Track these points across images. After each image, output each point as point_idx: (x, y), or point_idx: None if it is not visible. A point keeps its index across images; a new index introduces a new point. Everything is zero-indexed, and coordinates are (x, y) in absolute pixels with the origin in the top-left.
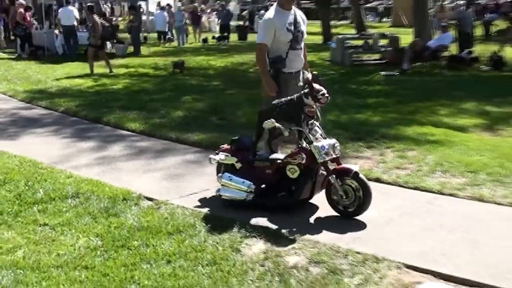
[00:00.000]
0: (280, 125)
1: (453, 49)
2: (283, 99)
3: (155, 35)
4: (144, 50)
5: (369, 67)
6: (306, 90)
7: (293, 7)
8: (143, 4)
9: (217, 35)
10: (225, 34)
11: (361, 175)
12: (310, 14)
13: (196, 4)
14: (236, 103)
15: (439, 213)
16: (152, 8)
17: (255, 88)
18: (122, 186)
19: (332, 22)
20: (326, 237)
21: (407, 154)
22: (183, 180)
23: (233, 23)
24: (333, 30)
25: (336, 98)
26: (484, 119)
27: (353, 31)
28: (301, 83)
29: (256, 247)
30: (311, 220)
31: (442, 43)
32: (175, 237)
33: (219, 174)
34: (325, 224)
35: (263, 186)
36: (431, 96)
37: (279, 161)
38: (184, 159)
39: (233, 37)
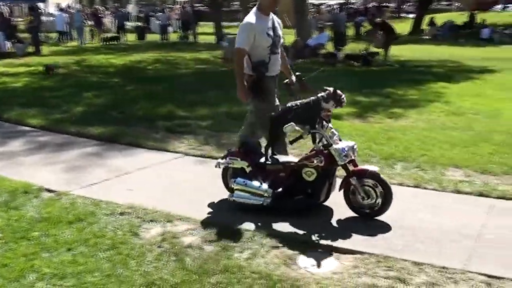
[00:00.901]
0: (300, 128)
1: (329, 47)
2: (297, 101)
3: (55, 35)
4: (44, 49)
5: None
6: (323, 94)
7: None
8: (42, 5)
9: (109, 35)
10: (116, 34)
11: (381, 176)
12: (204, 17)
13: (97, 6)
14: (135, 98)
15: None
16: (52, 9)
17: (153, 85)
18: (22, 179)
19: (225, 23)
20: (219, 217)
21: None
22: (83, 172)
23: (132, 23)
24: (226, 30)
25: (229, 92)
26: (355, 108)
27: None
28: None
29: (154, 230)
30: (206, 202)
31: (319, 41)
32: (75, 226)
33: (232, 179)
34: (220, 205)
35: (280, 189)
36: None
37: (293, 164)
38: (85, 152)
39: (132, 37)
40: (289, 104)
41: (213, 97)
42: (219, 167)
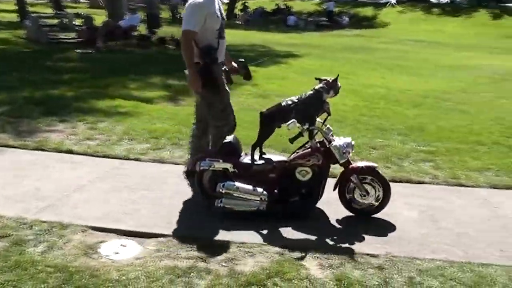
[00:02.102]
0: (301, 125)
1: (142, 29)
2: (294, 98)
3: None
4: None
5: (65, 45)
6: (322, 85)
7: None
8: None
9: None
10: None
11: (380, 172)
12: None
13: None
14: None
15: (124, 176)
16: None
17: None
18: None
19: (29, 1)
20: (12, 210)
21: (98, 125)
22: None
23: None
24: (30, 9)
25: (32, 75)
26: (167, 92)
27: (51, 10)
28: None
29: None
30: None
31: (131, 23)
32: None
33: (220, 183)
34: (14, 197)
35: (275, 192)
36: (123, 72)
37: (286, 163)
38: None
39: None
40: (284, 102)
41: (13, 80)
42: (198, 169)
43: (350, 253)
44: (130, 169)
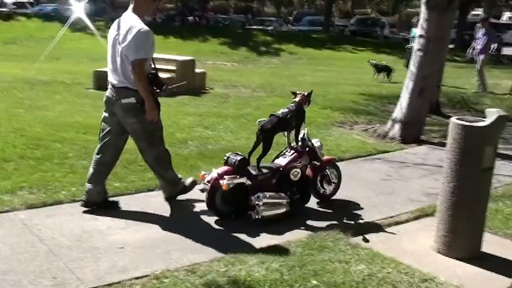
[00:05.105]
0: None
1: None
2: (284, 110)
3: None
4: None
5: None
6: (300, 98)
7: None
8: None
9: None
10: None
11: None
12: None
13: None
14: None
15: None
16: None
17: None
18: None
19: None
20: None
21: None
22: None
23: None
24: None
25: None
26: None
27: None
28: None
29: None
30: None
31: None
32: None
33: (253, 196)
34: None
35: (288, 193)
36: None
37: (282, 168)
38: None
39: None
40: (278, 114)
41: None
42: (227, 188)
43: None
44: None
